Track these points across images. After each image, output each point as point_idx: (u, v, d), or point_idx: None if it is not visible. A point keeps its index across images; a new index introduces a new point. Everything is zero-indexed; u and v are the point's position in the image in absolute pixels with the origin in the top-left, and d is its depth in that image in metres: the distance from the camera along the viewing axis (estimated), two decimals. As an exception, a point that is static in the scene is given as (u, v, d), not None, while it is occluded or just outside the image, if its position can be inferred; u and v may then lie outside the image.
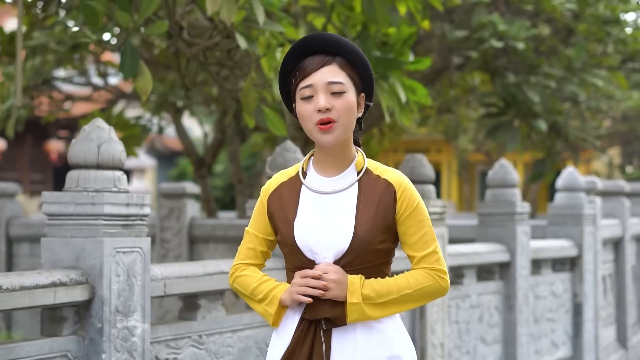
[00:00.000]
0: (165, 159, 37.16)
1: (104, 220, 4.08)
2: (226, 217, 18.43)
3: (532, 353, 7.78)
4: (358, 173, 3.19)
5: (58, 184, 38.73)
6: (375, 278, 3.16)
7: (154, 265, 4.46)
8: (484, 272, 7.36)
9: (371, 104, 3.24)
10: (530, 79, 11.34)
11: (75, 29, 8.24)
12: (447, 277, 3.19)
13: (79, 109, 14.65)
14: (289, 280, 3.22)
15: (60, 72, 12.51)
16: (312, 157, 3.26)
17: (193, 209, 10.26)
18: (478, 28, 11.04)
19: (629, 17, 16.25)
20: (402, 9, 6.70)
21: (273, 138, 15.67)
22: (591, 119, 13.95)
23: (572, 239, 8.70)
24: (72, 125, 22.77)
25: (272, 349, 3.24)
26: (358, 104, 3.17)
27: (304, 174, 3.24)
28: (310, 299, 3.09)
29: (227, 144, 14.61)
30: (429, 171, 6.37)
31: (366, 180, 3.17)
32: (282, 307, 3.19)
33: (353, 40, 6.71)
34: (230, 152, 14.46)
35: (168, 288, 4.49)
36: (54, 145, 31.85)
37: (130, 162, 29.94)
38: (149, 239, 4.30)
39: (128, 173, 36.42)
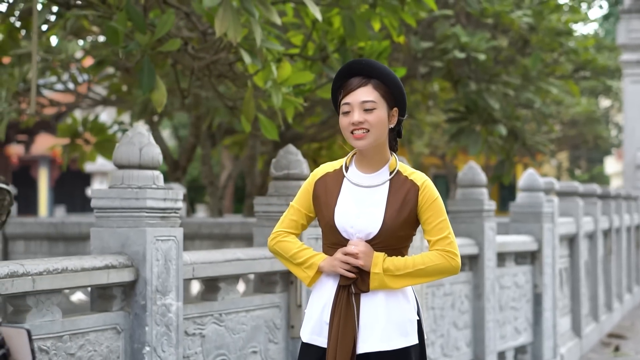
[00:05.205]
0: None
1: (146, 212, 4.74)
2: (197, 217, 19.03)
3: (497, 338, 8.48)
4: (390, 173, 3.92)
5: (18, 187, 38.90)
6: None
7: (184, 252, 5.12)
8: (456, 263, 8.06)
9: (404, 117, 3.96)
10: (491, 87, 12.02)
11: (54, 39, 8.84)
12: (458, 258, 3.93)
13: (46, 112, 15.14)
14: (325, 252, 3.97)
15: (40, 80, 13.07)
16: (354, 156, 4.00)
17: (179, 208, 10.82)
18: (442, 40, 11.74)
19: (578, 28, 17.08)
20: (377, 25, 7.40)
21: (241, 142, 16.33)
22: (544, 124, 14.71)
23: (532, 235, 9.35)
24: (30, 130, 23.00)
25: (309, 309, 3.99)
26: (392, 116, 3.90)
27: (347, 168, 3.97)
28: (354, 275, 3.84)
29: (200, 148, 15.23)
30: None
31: (397, 179, 3.92)
32: (318, 272, 3.94)
33: (333, 53, 7.41)
34: (203, 156, 15.07)
35: (196, 272, 5.15)
36: (14, 150, 32.16)
37: (90, 166, 30.33)
38: (181, 229, 4.96)
39: (89, 177, 36.75)
